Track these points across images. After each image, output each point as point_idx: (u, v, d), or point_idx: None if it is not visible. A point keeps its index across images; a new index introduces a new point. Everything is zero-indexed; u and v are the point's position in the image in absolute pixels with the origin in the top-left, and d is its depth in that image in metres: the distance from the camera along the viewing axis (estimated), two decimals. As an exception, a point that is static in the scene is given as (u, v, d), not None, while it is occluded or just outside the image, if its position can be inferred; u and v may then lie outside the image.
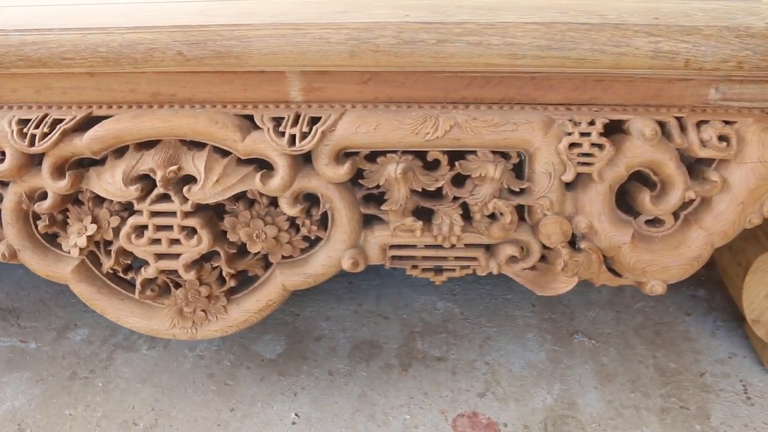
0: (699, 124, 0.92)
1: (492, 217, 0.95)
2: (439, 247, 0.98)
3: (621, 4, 0.96)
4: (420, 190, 0.94)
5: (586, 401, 1.05)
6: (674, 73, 0.89)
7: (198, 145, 0.95)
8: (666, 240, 0.96)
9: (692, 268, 0.95)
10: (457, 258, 0.99)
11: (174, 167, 0.93)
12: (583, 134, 0.90)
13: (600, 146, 0.90)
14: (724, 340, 1.17)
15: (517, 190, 0.94)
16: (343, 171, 0.91)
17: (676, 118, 0.92)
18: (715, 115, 0.93)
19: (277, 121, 0.93)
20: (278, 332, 1.18)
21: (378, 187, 0.95)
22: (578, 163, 0.91)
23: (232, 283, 0.99)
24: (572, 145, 0.90)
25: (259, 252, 0.98)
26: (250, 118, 0.94)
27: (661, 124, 0.92)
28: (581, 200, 0.93)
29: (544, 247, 0.97)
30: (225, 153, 0.95)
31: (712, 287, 1.27)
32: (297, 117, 0.93)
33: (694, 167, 0.95)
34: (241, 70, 0.92)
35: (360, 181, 0.95)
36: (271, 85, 0.94)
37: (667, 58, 0.86)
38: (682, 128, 0.92)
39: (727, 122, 0.92)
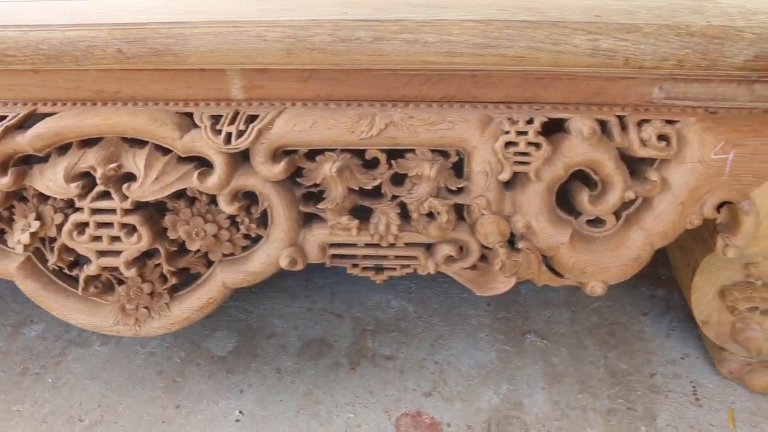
0: (641, 123, 0.91)
1: (430, 216, 0.94)
2: (379, 245, 0.98)
3: (565, 2, 0.95)
4: (358, 188, 0.94)
5: (533, 402, 1.05)
6: (615, 71, 0.88)
7: (141, 143, 0.95)
8: (606, 240, 0.95)
9: (632, 268, 0.95)
10: (397, 257, 0.99)
11: (114, 165, 0.94)
12: (520, 133, 0.89)
13: (537, 145, 0.89)
14: (679, 341, 1.16)
15: (455, 189, 0.93)
16: (279, 169, 0.91)
17: (618, 116, 0.92)
18: (659, 114, 0.92)
19: (216, 119, 0.93)
20: (231, 329, 1.18)
21: (317, 185, 0.95)
22: (515, 162, 0.90)
23: (173, 281, 1.00)
24: (509, 144, 0.90)
25: (199, 250, 0.98)
26: (191, 116, 0.94)
27: (603, 123, 0.91)
28: (519, 199, 0.93)
29: (484, 246, 0.96)
30: (168, 151, 0.95)
31: (672, 287, 1.26)
32: (235, 115, 0.93)
33: (638, 167, 0.94)
34: (181, 68, 0.92)
35: (298, 180, 0.95)
36: (212, 83, 0.94)
37: (605, 56, 0.86)
38: (624, 127, 0.92)
39: (669, 121, 0.91)
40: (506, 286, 0.97)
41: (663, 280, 1.29)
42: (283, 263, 0.96)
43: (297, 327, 1.18)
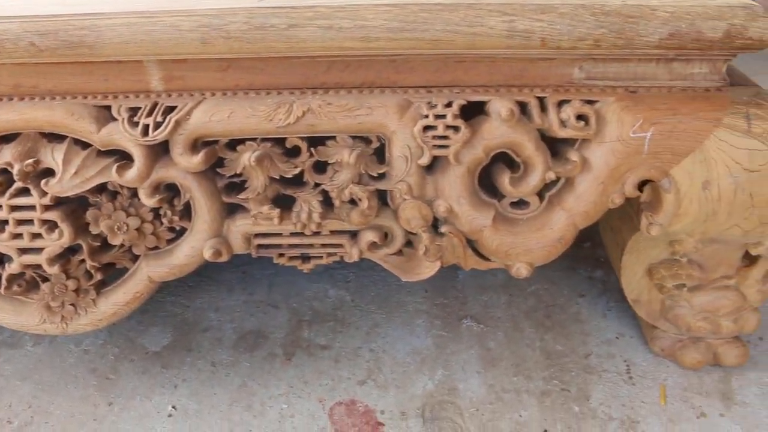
0: (560, 103, 0.91)
1: (353, 203, 0.94)
2: (304, 234, 0.97)
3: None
4: (279, 177, 0.93)
5: (468, 386, 1.05)
6: (532, 52, 0.88)
7: (60, 138, 0.94)
8: (529, 222, 0.95)
9: (556, 249, 0.95)
10: (323, 245, 0.98)
11: (31, 160, 0.92)
12: (438, 117, 0.89)
13: (455, 128, 0.89)
14: (614, 321, 1.16)
15: (376, 175, 0.93)
16: (198, 160, 0.91)
17: (538, 98, 0.92)
18: (579, 94, 0.92)
19: (134, 111, 0.92)
20: (166, 324, 1.17)
21: (239, 175, 0.94)
22: (434, 146, 0.90)
23: (98, 277, 0.98)
24: (427, 128, 0.89)
25: (123, 244, 0.97)
26: (110, 109, 0.93)
27: (524, 105, 0.92)
28: (441, 184, 0.93)
29: (409, 232, 0.96)
30: (89, 146, 0.94)
31: (609, 268, 1.27)
32: (153, 107, 0.92)
33: (561, 148, 0.94)
34: (98, 61, 0.91)
35: (218, 170, 0.94)
36: (131, 75, 0.93)
37: (522, 37, 0.86)
38: (544, 108, 0.92)
39: (589, 102, 0.91)
40: (431, 271, 0.97)
41: (601, 262, 1.30)
42: (207, 254, 0.95)
43: (233, 320, 1.17)
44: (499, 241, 0.94)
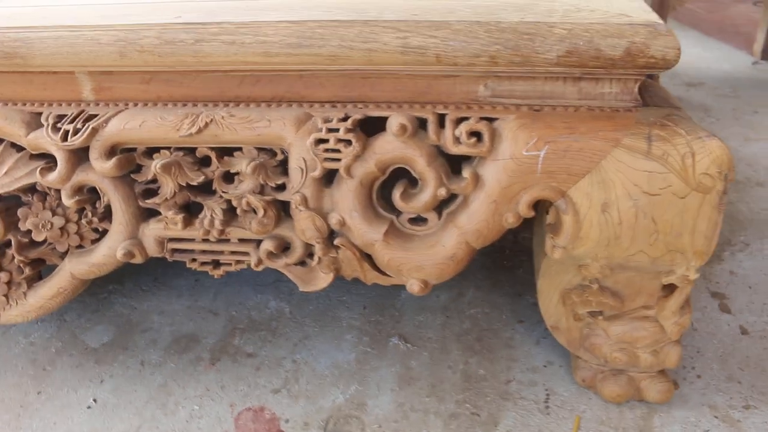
0: (459, 120, 0.92)
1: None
2: (217, 241, 1.01)
3: (389, 2, 0.98)
4: (190, 185, 0.98)
5: (377, 403, 1.05)
6: (429, 69, 0.90)
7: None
8: (424, 239, 0.95)
9: (448, 267, 0.94)
10: (232, 252, 1.02)
11: (-31, 160, 1.00)
12: (331, 130, 0.91)
13: (347, 142, 0.91)
14: (546, 349, 1.13)
15: (275, 186, 0.96)
16: (110, 165, 0.96)
17: (440, 114, 0.92)
18: (481, 111, 0.92)
19: (61, 118, 0.99)
20: (111, 323, 1.23)
21: (156, 181, 0.99)
22: (325, 158, 0.92)
23: (27, 271, 1.05)
24: (320, 141, 0.92)
25: (51, 242, 1.04)
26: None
27: (425, 122, 0.92)
28: (336, 196, 0.95)
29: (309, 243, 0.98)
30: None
31: (557, 296, 1.23)
32: (78, 114, 0.98)
33: (465, 165, 0.94)
34: (32, 71, 0.98)
35: (132, 176, 0.99)
36: (66, 85, 1.00)
37: (417, 53, 0.87)
38: (442, 125, 0.92)
39: (490, 119, 0.91)
40: (326, 283, 0.98)
41: (550, 289, 1.26)
42: (119, 255, 1.00)
43: (173, 323, 1.22)
44: (390, 256, 0.95)
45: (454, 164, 0.94)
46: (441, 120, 0.92)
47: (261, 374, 1.10)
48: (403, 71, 0.91)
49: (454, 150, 0.91)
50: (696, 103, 2.25)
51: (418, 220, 0.96)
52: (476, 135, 0.90)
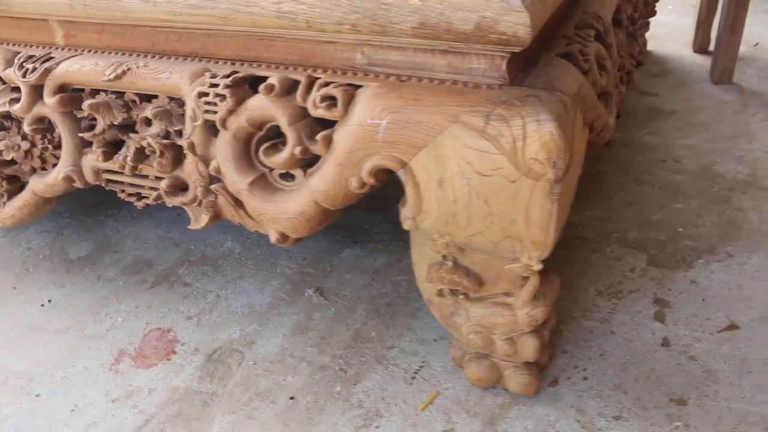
0: (327, 85, 0.95)
1: (161, 152, 1.08)
2: (144, 176, 1.13)
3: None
4: (112, 123, 1.11)
5: (265, 344, 1.12)
6: (302, 33, 0.95)
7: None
8: (285, 194, 1.00)
9: (300, 223, 0.99)
10: (150, 188, 1.13)
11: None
12: (213, 85, 0.99)
13: (222, 97, 0.98)
14: (445, 325, 1.13)
15: (175, 131, 1.06)
16: (54, 101, 1.11)
17: (312, 78, 0.97)
18: (355, 78, 0.95)
19: (30, 58, 1.16)
20: (94, 242, 1.40)
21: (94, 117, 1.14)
22: (205, 110, 1.00)
23: (5, 185, 1.25)
24: (202, 94, 1.00)
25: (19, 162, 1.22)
26: (20, 53, 1.19)
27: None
28: (217, 146, 1.02)
29: (202, 185, 1.07)
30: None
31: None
32: (41, 56, 1.15)
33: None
34: (17, 17, 1.17)
35: (74, 112, 1.14)
36: (45, 31, 1.17)
37: (289, 18, 0.93)
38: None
39: (355, 86, 0.94)
40: (204, 222, 1.06)
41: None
42: (60, 178, 1.16)
43: (140, 249, 1.37)
44: (253, 205, 1.01)
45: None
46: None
47: (185, 302, 1.22)
48: (288, 35, 0.97)
49: (314, 113, 0.95)
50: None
51: (287, 177, 1.01)
52: (332, 99, 0.93)
